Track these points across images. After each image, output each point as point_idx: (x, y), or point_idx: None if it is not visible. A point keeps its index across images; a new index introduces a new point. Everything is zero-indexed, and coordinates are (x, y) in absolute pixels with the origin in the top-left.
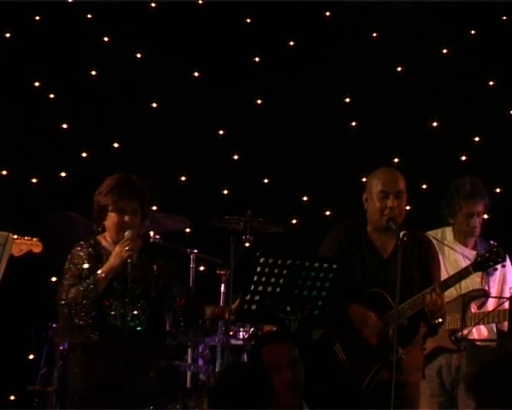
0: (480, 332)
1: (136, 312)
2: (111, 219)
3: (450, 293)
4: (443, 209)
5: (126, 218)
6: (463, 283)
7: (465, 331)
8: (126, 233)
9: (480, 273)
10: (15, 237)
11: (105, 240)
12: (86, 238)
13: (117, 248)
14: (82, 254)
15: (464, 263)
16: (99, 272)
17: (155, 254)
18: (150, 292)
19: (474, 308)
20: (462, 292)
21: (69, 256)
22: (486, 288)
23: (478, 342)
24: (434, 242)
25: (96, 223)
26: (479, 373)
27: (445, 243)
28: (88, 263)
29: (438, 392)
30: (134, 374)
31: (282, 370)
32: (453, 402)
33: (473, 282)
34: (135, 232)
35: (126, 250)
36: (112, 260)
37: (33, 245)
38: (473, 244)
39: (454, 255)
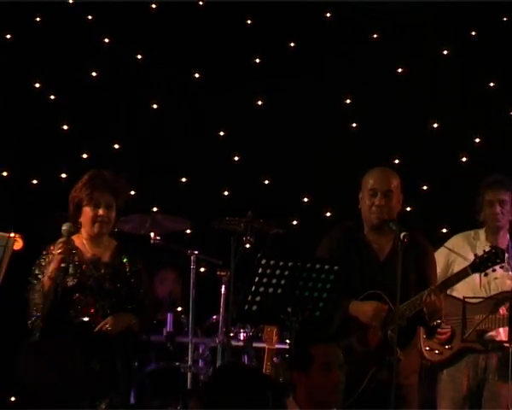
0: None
1: (107, 309)
2: (86, 213)
3: (479, 294)
4: (473, 210)
5: (100, 211)
6: (493, 284)
7: (493, 333)
8: (63, 229)
9: (511, 275)
10: None
11: (78, 239)
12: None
13: (54, 250)
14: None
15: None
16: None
17: (125, 252)
18: (121, 291)
19: (502, 310)
20: (491, 294)
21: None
22: None
23: (505, 344)
24: (465, 245)
25: (72, 221)
26: None
27: (477, 243)
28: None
29: (462, 392)
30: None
31: (332, 370)
32: (477, 403)
33: (503, 284)
34: (71, 227)
35: (58, 253)
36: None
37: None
38: (505, 245)
39: None
